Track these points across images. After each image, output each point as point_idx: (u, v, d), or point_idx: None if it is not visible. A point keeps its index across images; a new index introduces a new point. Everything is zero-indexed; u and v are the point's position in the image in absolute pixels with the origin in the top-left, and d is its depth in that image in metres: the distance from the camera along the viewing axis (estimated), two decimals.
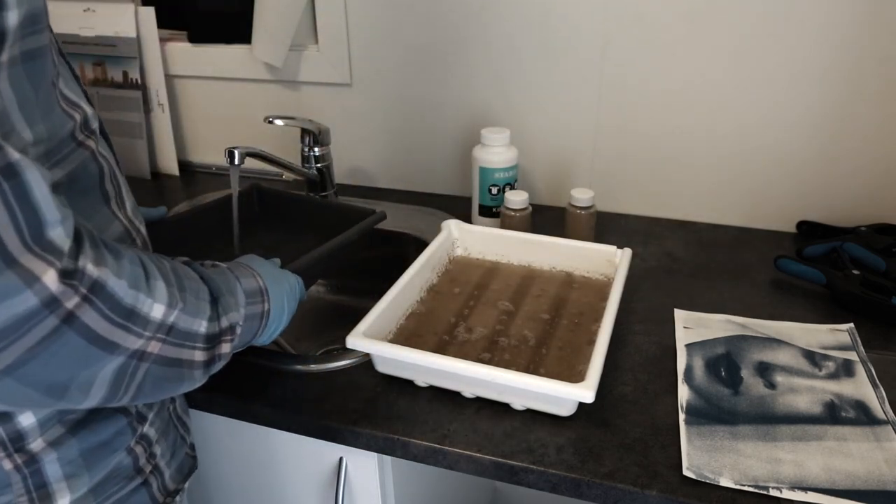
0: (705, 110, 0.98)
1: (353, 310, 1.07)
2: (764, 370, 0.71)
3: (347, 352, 0.72)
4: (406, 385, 0.70)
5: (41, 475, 0.48)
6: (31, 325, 0.37)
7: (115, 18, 1.13)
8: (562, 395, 0.62)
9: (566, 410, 0.65)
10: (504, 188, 0.99)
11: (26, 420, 0.47)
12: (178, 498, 0.60)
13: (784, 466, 0.59)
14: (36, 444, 0.47)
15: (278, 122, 0.98)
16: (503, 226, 0.95)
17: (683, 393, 0.68)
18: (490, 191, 0.99)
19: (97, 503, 0.51)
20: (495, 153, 0.97)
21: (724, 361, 0.73)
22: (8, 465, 0.47)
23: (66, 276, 0.38)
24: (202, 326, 0.48)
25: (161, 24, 1.14)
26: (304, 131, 1.04)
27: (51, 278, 0.37)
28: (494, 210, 1.00)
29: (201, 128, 1.26)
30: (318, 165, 1.06)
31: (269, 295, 0.58)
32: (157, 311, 0.44)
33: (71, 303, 0.38)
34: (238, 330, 0.53)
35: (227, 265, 0.57)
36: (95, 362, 0.41)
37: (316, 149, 1.05)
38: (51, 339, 0.38)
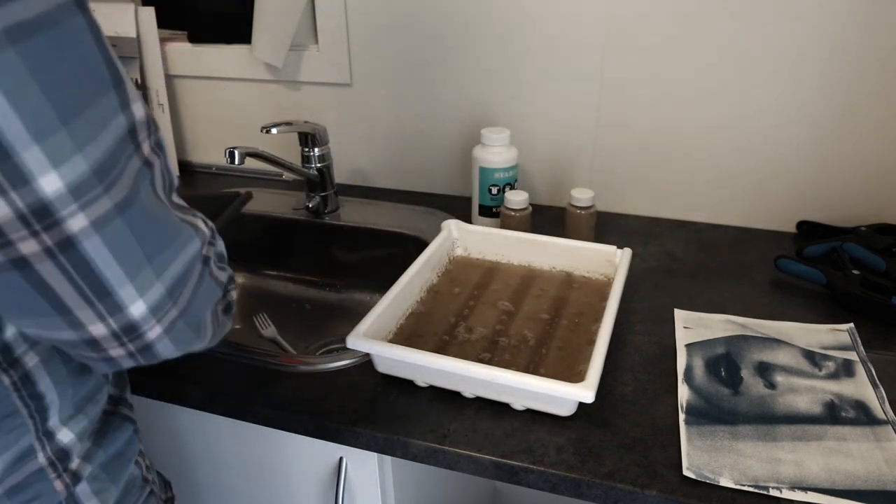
0: (705, 110, 0.98)
1: (353, 310, 1.08)
2: (764, 370, 0.71)
3: (347, 352, 0.72)
4: (406, 385, 0.70)
5: (74, 498, 0.48)
6: (193, 268, 0.43)
7: (115, 18, 1.13)
8: (562, 395, 0.62)
9: (566, 410, 0.65)
10: (504, 188, 0.99)
11: (66, 437, 0.47)
12: None
13: (784, 466, 0.59)
14: (75, 462, 0.48)
15: (273, 130, 0.97)
16: (503, 226, 0.95)
17: (683, 393, 0.69)
18: (490, 191, 0.99)
19: None
20: (495, 153, 0.97)
21: (724, 361, 0.73)
22: (59, 485, 0.47)
23: (204, 223, 0.45)
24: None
25: (161, 24, 1.14)
26: (301, 134, 1.04)
27: (202, 225, 0.45)
28: (494, 210, 1.00)
29: (201, 128, 1.26)
30: (318, 165, 1.06)
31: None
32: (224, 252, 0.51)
33: (205, 248, 0.45)
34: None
35: None
36: (214, 298, 0.47)
37: (316, 149, 1.05)
38: (201, 279, 0.44)
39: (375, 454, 0.70)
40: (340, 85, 1.13)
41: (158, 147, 0.41)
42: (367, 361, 0.73)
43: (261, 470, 0.78)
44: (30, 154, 0.32)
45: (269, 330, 1.03)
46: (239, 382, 0.72)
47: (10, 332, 0.42)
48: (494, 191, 0.99)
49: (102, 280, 0.37)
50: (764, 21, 0.90)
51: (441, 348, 0.73)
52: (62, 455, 0.46)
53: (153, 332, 0.41)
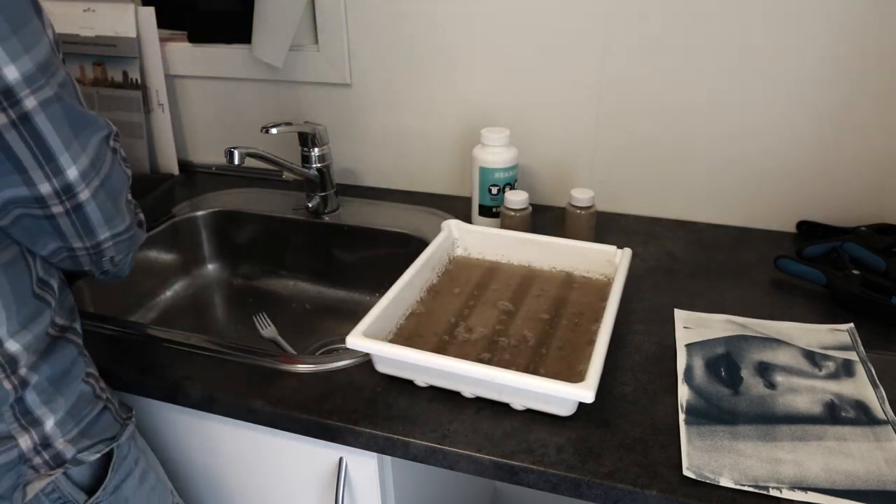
0: (705, 110, 0.98)
1: (353, 310, 1.08)
2: (764, 370, 0.71)
3: (347, 352, 0.72)
4: (406, 385, 0.70)
5: (24, 403, 0.57)
6: (106, 149, 0.57)
7: (115, 18, 1.13)
8: (562, 395, 0.62)
9: (566, 410, 0.65)
10: (504, 188, 0.99)
11: (13, 346, 0.56)
12: (129, 428, 0.67)
13: (784, 466, 0.59)
14: (23, 370, 0.57)
15: (273, 130, 0.97)
16: (503, 226, 0.95)
17: (683, 393, 0.69)
18: (490, 191, 0.99)
19: (75, 423, 0.61)
20: (495, 153, 0.97)
21: (724, 361, 0.73)
22: (7, 385, 0.56)
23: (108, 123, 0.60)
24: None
25: (161, 24, 1.14)
26: (301, 134, 1.04)
27: (107, 122, 0.59)
28: (494, 210, 1.00)
29: (201, 128, 1.26)
30: (318, 165, 1.06)
31: None
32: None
33: (111, 140, 0.59)
34: None
35: None
36: (125, 183, 0.62)
37: (315, 149, 1.05)
38: (113, 161, 0.59)
39: (375, 454, 0.70)
40: (340, 85, 1.13)
41: (64, 63, 0.55)
42: (367, 361, 0.73)
43: (261, 470, 0.78)
44: None
45: (269, 330, 1.03)
46: (239, 382, 0.72)
47: None
48: (494, 191, 0.99)
49: (48, 147, 0.52)
50: (764, 21, 0.90)
51: (441, 348, 0.73)
52: (10, 360, 0.56)
53: (83, 194, 0.55)
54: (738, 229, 1.03)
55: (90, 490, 0.62)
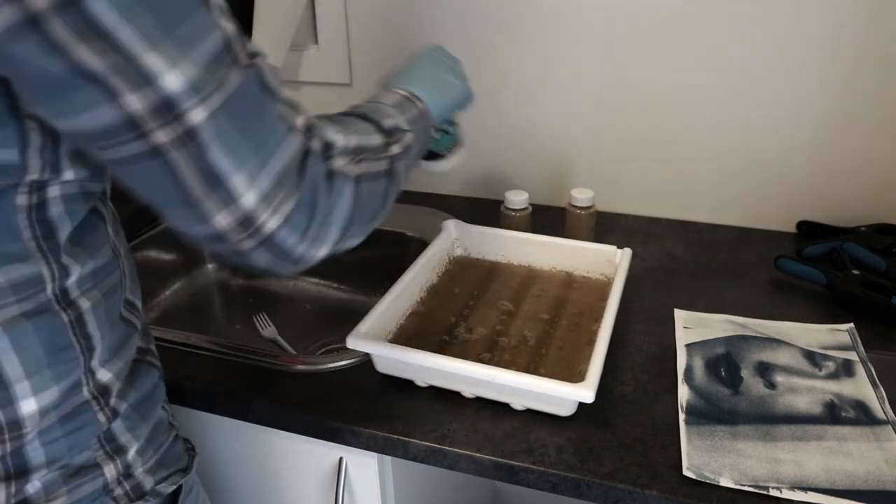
0: (705, 110, 0.98)
1: (353, 310, 1.08)
2: (764, 370, 0.71)
3: (347, 352, 0.72)
4: (406, 385, 0.70)
5: (110, 429, 0.53)
6: (294, 162, 0.46)
7: None
8: (562, 395, 0.62)
9: (566, 410, 0.65)
10: (445, 128, 0.85)
11: (105, 375, 0.52)
12: (196, 460, 0.64)
13: (784, 466, 0.59)
14: (113, 400, 0.53)
15: None
16: (503, 226, 0.95)
17: (683, 393, 0.69)
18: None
19: (153, 450, 0.57)
20: None
21: (724, 361, 0.73)
22: (102, 417, 0.52)
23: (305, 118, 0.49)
24: (376, 139, 0.57)
25: None
26: None
27: (300, 122, 0.48)
28: (440, 152, 0.84)
29: None
30: None
31: (417, 94, 0.67)
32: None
33: (309, 142, 0.48)
34: (405, 128, 0.62)
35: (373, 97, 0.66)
36: (343, 192, 0.50)
37: None
38: (308, 168, 0.47)
39: (375, 454, 0.70)
40: (340, 85, 1.13)
41: (253, 55, 0.46)
42: (367, 361, 0.73)
43: (261, 470, 0.78)
44: (150, 57, 0.38)
45: (269, 330, 1.03)
46: (239, 382, 0.72)
47: (71, 278, 0.48)
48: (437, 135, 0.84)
49: (216, 169, 0.42)
50: (764, 21, 0.90)
51: (441, 348, 0.73)
52: (103, 391, 0.52)
53: (272, 222, 0.45)
54: (738, 229, 1.03)
55: None
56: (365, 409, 0.67)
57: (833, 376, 0.70)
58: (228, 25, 0.45)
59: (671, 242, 0.99)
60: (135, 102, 0.38)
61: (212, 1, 0.43)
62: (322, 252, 0.49)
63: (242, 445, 0.77)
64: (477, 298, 0.82)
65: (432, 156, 0.85)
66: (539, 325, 0.77)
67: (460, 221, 0.92)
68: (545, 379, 0.62)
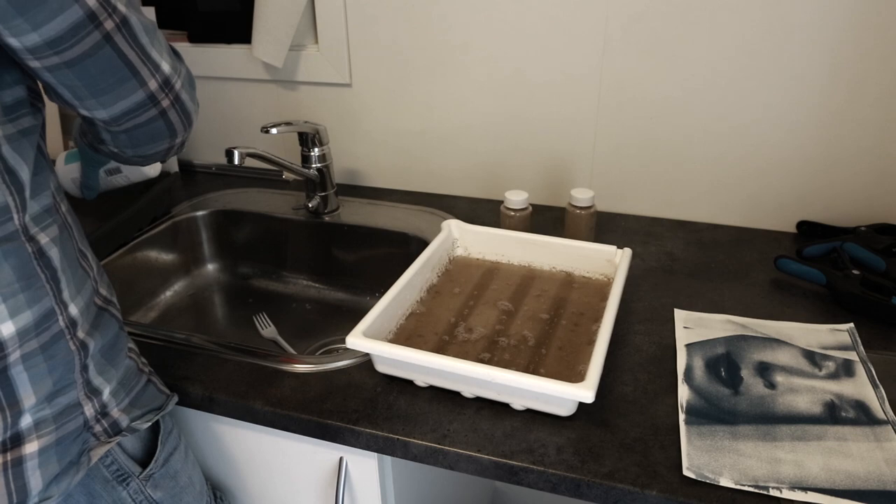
0: (705, 110, 0.98)
1: (353, 310, 1.08)
2: (764, 370, 0.71)
3: (347, 352, 0.72)
4: (406, 385, 0.70)
5: (87, 372, 0.59)
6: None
7: None
8: (562, 395, 0.62)
9: (566, 410, 0.65)
10: None
11: (73, 310, 0.58)
12: (173, 399, 0.69)
13: (784, 466, 0.59)
14: (81, 334, 0.59)
15: (273, 130, 0.97)
16: (503, 226, 0.95)
17: (683, 393, 0.69)
18: None
19: (125, 393, 0.63)
20: None
21: (724, 361, 0.73)
22: (72, 346, 0.58)
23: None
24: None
25: (161, 24, 1.14)
26: (301, 134, 1.04)
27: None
28: None
29: (201, 128, 1.26)
30: (318, 165, 1.06)
31: None
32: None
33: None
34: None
35: None
36: (194, 85, 0.65)
37: (315, 149, 1.05)
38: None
39: (375, 454, 0.70)
40: (340, 85, 1.13)
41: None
42: (367, 361, 0.73)
43: (261, 470, 0.78)
44: None
45: (269, 330, 1.03)
46: (239, 382, 0.72)
47: (29, 213, 0.55)
48: None
49: (142, 45, 0.55)
50: (764, 21, 0.90)
51: (441, 348, 0.73)
52: (72, 323, 0.58)
53: (178, 84, 0.60)
54: (738, 229, 1.03)
55: (142, 463, 0.65)
56: (365, 409, 0.67)
57: (833, 376, 0.71)
58: None
59: (671, 242, 0.99)
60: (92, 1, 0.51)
61: None
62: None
63: (242, 445, 0.77)
64: (477, 298, 0.82)
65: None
66: (539, 325, 0.77)
67: (460, 221, 0.92)
68: (545, 379, 0.62)
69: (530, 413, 0.66)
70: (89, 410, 0.59)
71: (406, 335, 0.75)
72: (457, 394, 0.69)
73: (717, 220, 1.04)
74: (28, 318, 0.54)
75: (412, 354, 0.66)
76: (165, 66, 0.58)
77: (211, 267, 1.15)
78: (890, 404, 0.67)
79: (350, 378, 0.72)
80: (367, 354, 0.71)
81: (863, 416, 0.65)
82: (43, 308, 0.55)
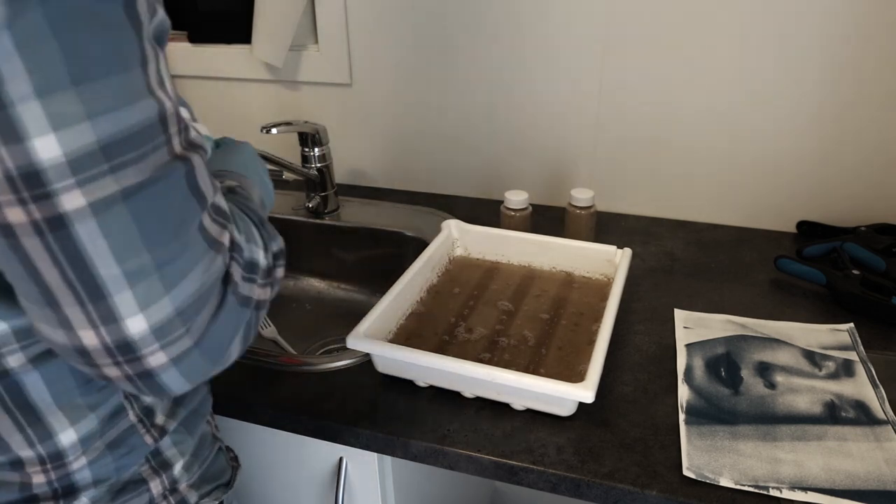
0: (705, 110, 0.98)
1: (354, 309, 1.08)
2: (764, 370, 0.71)
3: (347, 352, 0.72)
4: (406, 385, 0.70)
5: (157, 446, 0.51)
6: (213, 291, 0.37)
7: None
8: (562, 395, 0.62)
9: (566, 410, 0.65)
10: None
11: (147, 398, 0.49)
12: (239, 472, 0.62)
13: (784, 466, 0.59)
14: (160, 418, 0.50)
15: (273, 130, 0.97)
16: (503, 226, 0.95)
17: (683, 393, 0.68)
18: None
19: (198, 465, 0.55)
20: None
21: (724, 361, 0.73)
22: (148, 439, 0.49)
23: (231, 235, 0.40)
24: (262, 258, 0.44)
25: None
26: (301, 134, 1.04)
27: (226, 238, 0.39)
28: None
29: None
30: (318, 165, 1.06)
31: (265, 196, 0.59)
32: (259, 256, 0.44)
33: (230, 265, 0.39)
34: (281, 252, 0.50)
35: (233, 182, 0.54)
36: (240, 321, 0.40)
37: (315, 149, 1.05)
38: (222, 304, 0.38)
39: (375, 454, 0.70)
40: (340, 85, 1.13)
41: (192, 146, 0.37)
42: (367, 361, 0.73)
43: (261, 470, 0.78)
44: (27, 108, 0.29)
45: (269, 330, 1.03)
46: (239, 382, 0.72)
47: None
48: None
49: (95, 276, 0.33)
50: (764, 21, 0.90)
51: (441, 348, 0.73)
52: (147, 412, 0.49)
53: (155, 358, 0.36)
54: (738, 229, 1.03)
55: None
56: (365, 409, 0.67)
57: (833, 376, 0.70)
58: (168, 100, 0.35)
59: (671, 242, 0.99)
60: None
61: (150, 63, 0.34)
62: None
63: (242, 445, 0.77)
64: (477, 298, 0.82)
65: None
66: (539, 325, 0.77)
67: (460, 221, 0.92)
68: (545, 379, 0.62)
69: (530, 413, 0.66)
70: (156, 487, 0.51)
71: (406, 335, 0.75)
72: (457, 394, 0.69)
73: (717, 220, 1.04)
74: (93, 422, 0.45)
75: (412, 355, 0.66)
76: (137, 325, 0.34)
77: None
78: (890, 404, 0.67)
79: (350, 378, 0.72)
80: (368, 354, 0.71)
81: (863, 416, 0.65)
82: (110, 407, 0.46)
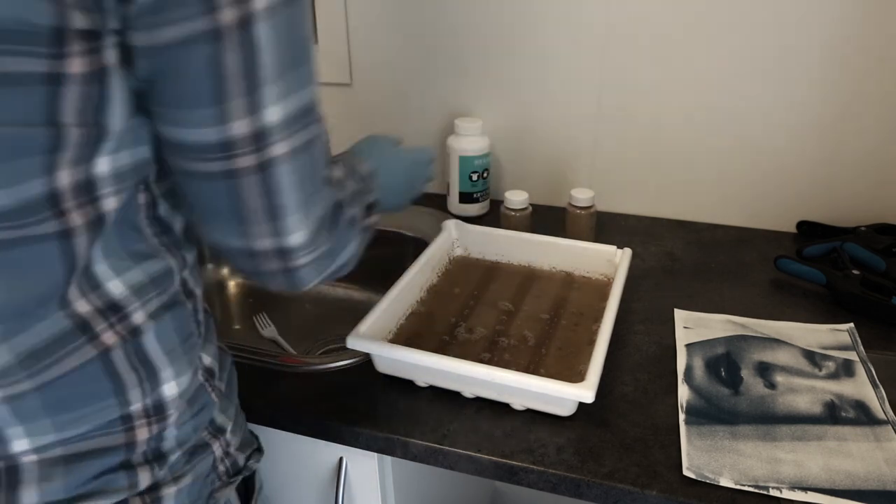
0: (705, 110, 0.98)
1: (353, 310, 1.08)
2: (764, 370, 0.71)
3: (347, 352, 0.72)
4: (406, 385, 0.70)
5: (211, 410, 0.55)
6: (330, 214, 0.51)
7: None
8: (562, 395, 0.62)
9: (566, 410, 0.65)
10: (483, 174, 1.04)
11: (206, 359, 0.54)
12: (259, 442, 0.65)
13: (784, 466, 0.59)
14: (218, 380, 0.56)
15: None
16: (503, 226, 0.95)
17: (683, 393, 0.68)
18: (471, 178, 1.03)
19: (239, 430, 0.59)
20: (472, 142, 1.02)
21: (724, 361, 0.73)
22: (215, 397, 0.55)
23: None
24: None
25: None
26: None
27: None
28: (475, 196, 1.05)
29: None
30: None
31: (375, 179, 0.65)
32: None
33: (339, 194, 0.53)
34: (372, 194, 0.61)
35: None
36: (351, 239, 0.54)
37: None
38: (335, 222, 0.52)
39: (375, 454, 0.70)
40: (340, 85, 1.13)
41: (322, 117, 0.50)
42: (367, 361, 0.73)
43: (261, 470, 0.78)
44: (268, 89, 0.42)
45: (269, 330, 1.03)
46: (239, 382, 0.72)
47: (187, 269, 0.51)
48: (475, 177, 1.03)
49: (281, 203, 0.45)
50: (764, 21, 0.90)
51: (441, 348, 0.73)
52: (209, 372, 0.55)
53: (303, 259, 0.49)
54: (738, 229, 1.03)
55: None
56: (365, 409, 0.67)
57: (833, 376, 0.70)
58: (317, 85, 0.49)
59: (671, 242, 0.99)
60: (240, 127, 0.42)
61: (313, 58, 0.47)
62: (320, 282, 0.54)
63: None
64: (477, 298, 0.82)
65: None
66: (539, 325, 0.77)
67: (460, 221, 0.92)
68: (545, 379, 0.62)
69: (530, 413, 0.66)
70: (217, 450, 0.56)
71: (406, 335, 0.75)
72: (457, 394, 0.69)
73: (717, 220, 1.04)
74: (188, 377, 0.50)
75: (412, 354, 0.66)
76: (299, 238, 0.47)
77: (211, 267, 1.15)
78: (890, 404, 0.67)
79: (350, 378, 0.72)
80: (368, 354, 0.71)
81: (863, 416, 0.65)
82: (195, 364, 0.52)
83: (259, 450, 0.63)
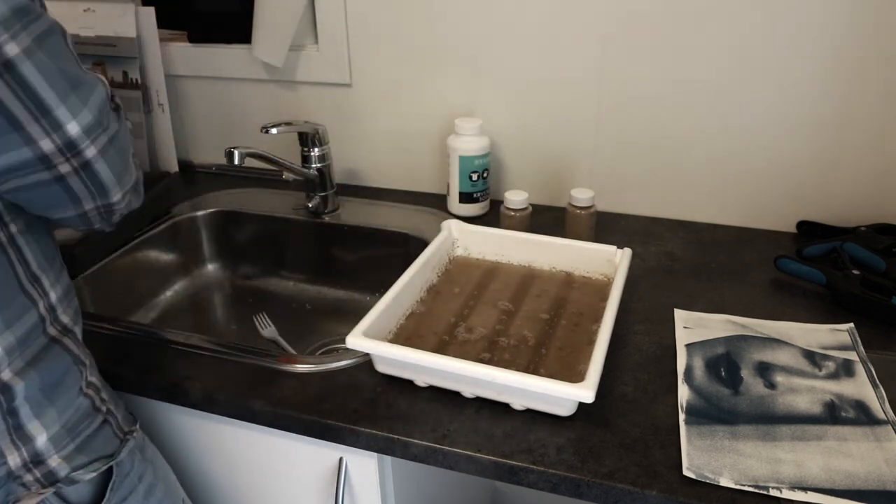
0: (705, 110, 0.98)
1: (353, 310, 1.08)
2: (764, 370, 0.71)
3: (347, 352, 0.72)
4: (406, 385, 0.70)
5: (17, 416, 0.55)
6: (107, 107, 0.57)
7: (115, 18, 1.13)
8: (562, 395, 0.62)
9: (566, 410, 0.65)
10: (483, 174, 1.04)
11: None
12: (129, 444, 0.65)
13: (784, 466, 0.59)
14: (6, 374, 0.54)
15: (273, 130, 0.97)
16: (503, 226, 0.95)
17: (683, 393, 0.69)
18: (471, 178, 1.03)
19: (71, 438, 0.58)
20: (471, 141, 1.02)
21: (724, 361, 0.73)
22: None
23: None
24: None
25: (161, 24, 1.14)
26: (301, 134, 1.04)
27: (104, 80, 0.59)
28: (475, 196, 1.05)
29: (201, 128, 1.26)
30: (318, 165, 1.06)
31: None
32: None
33: (112, 99, 0.60)
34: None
35: None
36: (131, 143, 0.61)
37: (315, 149, 1.05)
38: (119, 118, 0.59)
39: (375, 454, 0.70)
40: (340, 85, 1.13)
41: (118, 107, 0.59)
42: (367, 361, 0.73)
43: (261, 470, 0.78)
44: (60, 111, 0.51)
45: (269, 330, 1.03)
46: (239, 382, 0.72)
47: None
48: (475, 177, 1.03)
49: (41, 99, 0.49)
50: (764, 21, 0.90)
51: (441, 348, 0.73)
52: None
53: (89, 150, 0.54)
54: (738, 229, 1.03)
55: None
56: (365, 409, 0.67)
57: (833, 376, 0.70)
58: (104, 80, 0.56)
59: (671, 242, 0.99)
60: (47, 144, 0.50)
61: (86, 75, 0.54)
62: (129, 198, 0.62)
63: (242, 446, 0.77)
64: (477, 298, 0.82)
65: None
66: (539, 325, 0.77)
67: (460, 221, 0.92)
68: (545, 379, 0.62)
69: (530, 413, 0.66)
70: (14, 460, 0.54)
71: (406, 335, 0.75)
72: (457, 394, 0.69)
73: (717, 220, 1.04)
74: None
75: (412, 354, 0.66)
76: (73, 127, 0.51)
77: (211, 267, 1.15)
78: (890, 404, 0.67)
79: (350, 378, 0.72)
80: (367, 354, 0.71)
81: (863, 416, 0.65)
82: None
83: (109, 457, 0.61)
